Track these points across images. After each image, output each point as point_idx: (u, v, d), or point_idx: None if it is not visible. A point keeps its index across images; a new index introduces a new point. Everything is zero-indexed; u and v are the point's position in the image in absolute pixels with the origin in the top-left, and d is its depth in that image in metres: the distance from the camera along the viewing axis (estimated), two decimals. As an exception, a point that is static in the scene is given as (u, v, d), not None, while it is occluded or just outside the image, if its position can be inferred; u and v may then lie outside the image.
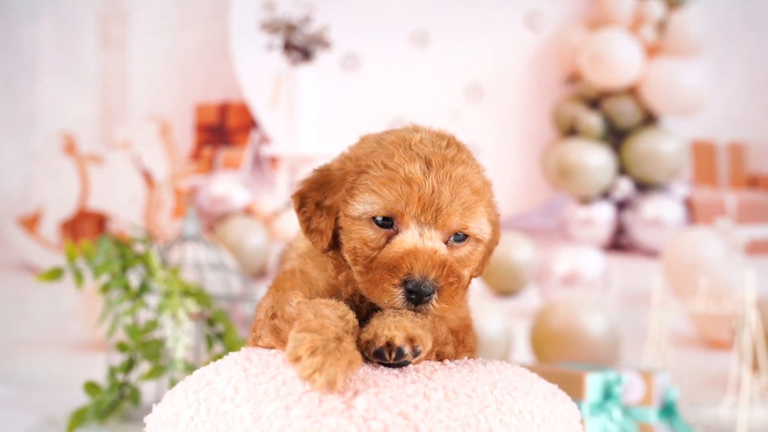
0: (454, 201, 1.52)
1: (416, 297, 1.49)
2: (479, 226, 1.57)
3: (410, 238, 1.52)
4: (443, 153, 1.55)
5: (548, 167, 4.53)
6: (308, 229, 1.63)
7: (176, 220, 4.26)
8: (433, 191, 1.51)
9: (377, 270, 1.52)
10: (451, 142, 1.60)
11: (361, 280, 1.55)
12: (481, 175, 1.61)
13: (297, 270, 1.66)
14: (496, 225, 1.68)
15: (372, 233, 1.55)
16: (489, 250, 1.68)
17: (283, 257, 1.82)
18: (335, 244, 1.62)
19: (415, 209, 1.51)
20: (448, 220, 1.52)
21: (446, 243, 1.55)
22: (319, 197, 1.62)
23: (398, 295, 1.50)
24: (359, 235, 1.56)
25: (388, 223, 1.54)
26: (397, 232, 1.54)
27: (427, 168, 1.52)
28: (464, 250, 1.58)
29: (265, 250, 4.12)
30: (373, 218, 1.54)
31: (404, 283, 1.49)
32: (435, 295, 1.50)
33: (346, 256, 1.59)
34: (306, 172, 1.71)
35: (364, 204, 1.54)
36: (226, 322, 2.61)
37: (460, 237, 1.57)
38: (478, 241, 1.59)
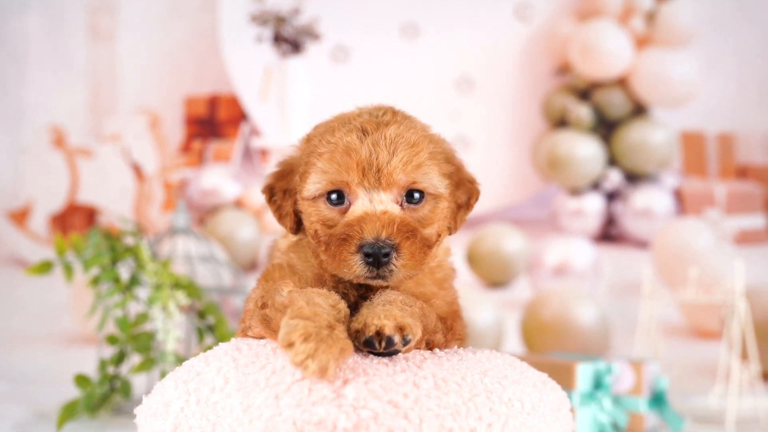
0: (392, 159, 1.55)
1: (374, 259, 1.51)
2: (429, 180, 1.58)
3: (360, 206, 1.55)
4: (378, 120, 1.60)
5: (538, 158, 4.54)
6: (280, 216, 1.69)
7: (166, 212, 4.25)
8: (370, 154, 1.54)
9: (333, 244, 1.54)
10: (387, 110, 1.65)
11: (325, 259, 1.57)
12: (421, 131, 1.63)
13: (284, 264, 1.68)
14: (463, 179, 1.68)
15: (327, 212, 1.58)
16: (459, 205, 1.68)
17: (269, 256, 1.85)
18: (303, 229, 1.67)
19: (357, 176, 1.54)
20: (391, 178, 1.55)
21: (401, 206, 1.57)
22: (285, 185, 1.67)
23: (357, 262, 1.52)
24: (317, 216, 1.59)
25: (340, 200, 1.57)
26: (350, 206, 1.56)
27: (363, 135, 1.56)
28: (424, 209, 1.59)
29: (256, 243, 4.12)
30: (327, 197, 1.58)
31: (360, 248, 1.51)
32: (394, 254, 1.51)
33: (311, 241, 1.61)
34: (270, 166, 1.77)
35: (314, 183, 1.58)
36: (217, 314, 2.61)
37: (416, 199, 1.58)
38: (435, 197, 1.60)
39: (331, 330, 1.39)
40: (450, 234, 1.70)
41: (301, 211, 1.64)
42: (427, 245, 1.58)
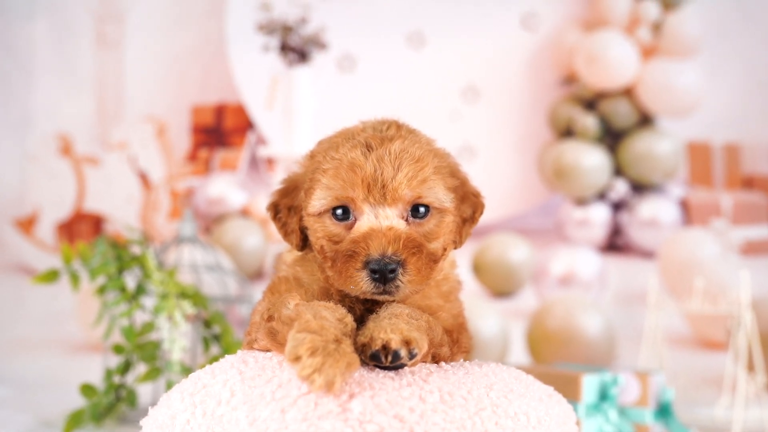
0: (397, 174, 1.55)
1: (380, 276, 1.51)
2: (434, 195, 1.58)
3: (366, 222, 1.55)
4: (382, 135, 1.60)
5: (544, 168, 4.54)
6: (286, 233, 1.68)
7: (173, 221, 4.26)
8: (375, 170, 1.54)
9: (339, 260, 1.54)
10: (392, 124, 1.65)
11: (331, 275, 1.57)
12: (425, 146, 1.62)
13: (290, 277, 1.68)
14: (468, 193, 1.68)
15: (333, 228, 1.58)
16: (464, 220, 1.68)
17: (275, 269, 1.85)
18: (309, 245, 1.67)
19: (362, 192, 1.54)
20: (396, 194, 1.55)
21: (406, 221, 1.57)
22: (290, 202, 1.67)
23: (363, 278, 1.52)
24: (322, 232, 1.59)
25: (346, 215, 1.57)
26: (355, 221, 1.56)
27: (368, 150, 1.56)
28: (429, 224, 1.59)
29: (262, 252, 4.12)
30: (333, 213, 1.58)
31: (366, 265, 1.51)
32: (400, 270, 1.51)
33: (317, 256, 1.61)
34: (276, 182, 1.76)
35: (319, 199, 1.58)
36: (223, 323, 2.61)
37: (422, 213, 1.58)
38: (441, 211, 1.60)
39: (338, 344, 1.39)
40: (455, 248, 1.69)
41: (306, 228, 1.64)
42: (433, 260, 1.59)
